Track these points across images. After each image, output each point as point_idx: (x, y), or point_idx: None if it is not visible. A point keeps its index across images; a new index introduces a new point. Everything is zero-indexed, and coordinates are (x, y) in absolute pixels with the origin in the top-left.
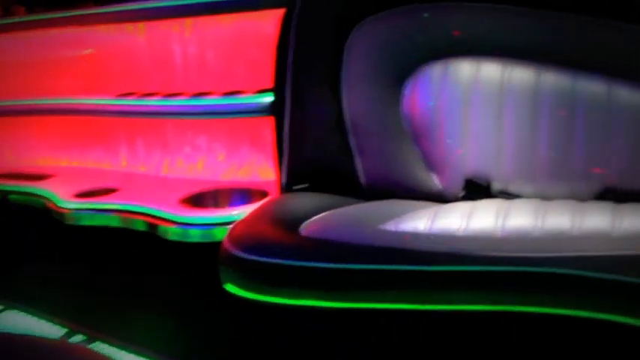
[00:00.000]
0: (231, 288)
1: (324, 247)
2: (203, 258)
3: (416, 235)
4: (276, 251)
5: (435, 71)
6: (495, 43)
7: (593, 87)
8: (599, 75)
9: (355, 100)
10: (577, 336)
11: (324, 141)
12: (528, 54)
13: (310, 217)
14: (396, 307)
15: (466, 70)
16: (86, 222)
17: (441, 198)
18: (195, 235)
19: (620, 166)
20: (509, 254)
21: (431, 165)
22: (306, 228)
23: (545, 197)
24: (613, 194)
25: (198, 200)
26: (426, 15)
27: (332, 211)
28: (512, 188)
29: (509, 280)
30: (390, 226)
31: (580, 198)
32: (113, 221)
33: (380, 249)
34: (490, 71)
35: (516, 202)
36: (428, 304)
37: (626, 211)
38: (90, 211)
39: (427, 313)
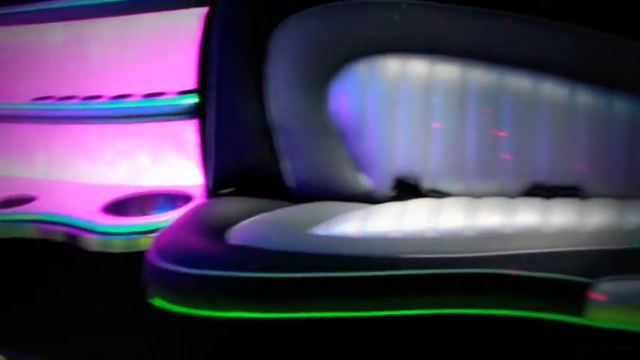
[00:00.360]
0: (158, 302)
1: (253, 255)
2: (128, 269)
3: (348, 239)
4: (202, 261)
5: (360, 69)
6: (421, 40)
7: (519, 83)
8: (526, 71)
9: (281, 100)
10: (514, 335)
11: (250, 143)
12: (454, 51)
13: (237, 223)
14: (332, 315)
15: (392, 67)
16: (1, 234)
17: (370, 198)
18: (118, 246)
19: (547, 162)
20: (444, 255)
21: (360, 165)
22: (234, 235)
23: (475, 195)
24: (541, 190)
25: (120, 208)
26: (350, 12)
27: (260, 216)
28: (442, 186)
29: (447, 282)
30: (321, 230)
31: (509, 195)
32: (30, 232)
33: (311, 255)
34: (416, 68)
35: (447, 201)
36: (364, 312)
37: (554, 207)
38: (5, 223)
39: (364, 320)
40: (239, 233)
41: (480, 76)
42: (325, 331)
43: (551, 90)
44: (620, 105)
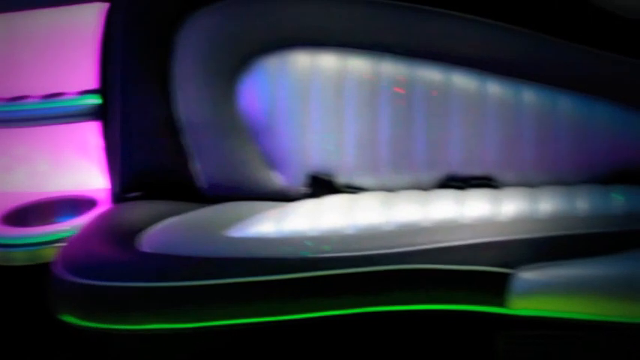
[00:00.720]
0: (67, 319)
1: (167, 262)
2: (32, 284)
3: (265, 241)
4: (113, 272)
5: (270, 64)
6: (331, 34)
7: (430, 75)
8: (436, 63)
9: (188, 98)
10: (436, 329)
11: (157, 144)
12: (365, 44)
13: (147, 229)
14: (254, 321)
15: (303, 62)
16: None
17: (285, 196)
18: (20, 258)
19: (460, 153)
20: (364, 253)
21: (272, 162)
22: (145, 242)
23: (390, 189)
24: (455, 181)
25: (20, 217)
26: (259, 6)
27: (171, 220)
28: (357, 181)
29: (368, 280)
30: (236, 231)
31: (423, 187)
32: None
33: (228, 260)
34: (327, 62)
35: (362, 196)
36: (285, 315)
37: (469, 198)
38: None
39: (287, 323)
40: (150, 240)
41: (390, 68)
42: (246, 338)
43: (462, 81)
44: (529, 95)
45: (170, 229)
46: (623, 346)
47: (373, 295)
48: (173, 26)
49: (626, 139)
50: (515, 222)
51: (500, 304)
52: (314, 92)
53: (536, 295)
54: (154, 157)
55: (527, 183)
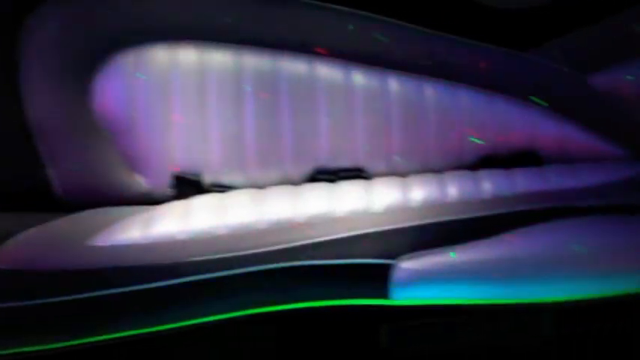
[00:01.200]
0: None
1: (28, 279)
2: None
3: (133, 248)
4: None
5: (127, 60)
6: (190, 28)
7: (294, 67)
8: (301, 54)
9: (39, 101)
10: (320, 326)
11: (6, 150)
12: (226, 36)
13: (2, 245)
14: (135, 333)
15: (161, 57)
16: None
17: (150, 200)
18: None
19: (328, 145)
20: (238, 253)
21: (134, 165)
22: (1, 258)
23: (259, 185)
24: (325, 174)
25: None
26: None
27: (28, 233)
28: (225, 179)
29: (244, 281)
30: (101, 240)
31: (293, 182)
32: None
33: (93, 272)
34: (187, 57)
35: (232, 194)
36: (161, 325)
37: (341, 190)
38: None
39: (169, 332)
40: (7, 255)
41: (253, 61)
42: (129, 350)
43: (327, 72)
44: (394, 84)
45: (29, 243)
46: (504, 328)
47: (250, 297)
48: (19, 20)
49: (490, 125)
50: (390, 212)
51: (383, 296)
52: (174, 89)
53: (417, 284)
54: (2, 165)
55: (398, 172)
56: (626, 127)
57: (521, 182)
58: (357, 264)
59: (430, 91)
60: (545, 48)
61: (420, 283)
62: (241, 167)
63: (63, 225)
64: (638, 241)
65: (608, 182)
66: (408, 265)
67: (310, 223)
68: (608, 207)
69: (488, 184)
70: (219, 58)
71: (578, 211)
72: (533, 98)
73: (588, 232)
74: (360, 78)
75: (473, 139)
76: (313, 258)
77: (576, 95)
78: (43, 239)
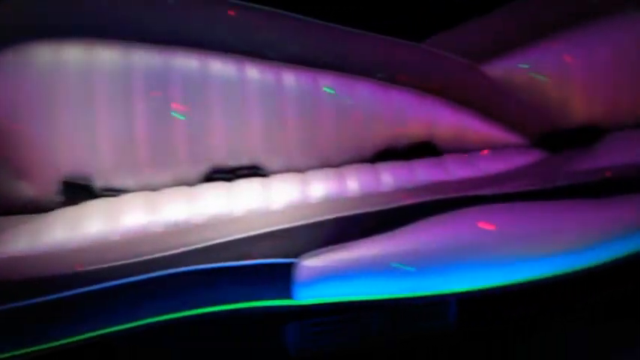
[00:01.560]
0: None
1: None
2: None
3: (20, 260)
4: None
5: (7, 60)
6: (76, 23)
7: (186, 63)
8: (193, 50)
9: None
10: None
11: None
12: (114, 33)
13: None
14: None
15: (45, 56)
16: None
17: (37, 208)
18: None
19: (224, 144)
20: (132, 260)
21: (18, 171)
22: None
23: (153, 188)
24: (222, 173)
25: None
26: None
27: None
28: (117, 183)
29: (144, 289)
30: None
31: (189, 183)
32: None
33: None
34: (73, 55)
35: (124, 198)
36: (46, 343)
37: (238, 189)
38: None
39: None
40: None
41: (144, 59)
42: None
43: (220, 68)
44: (289, 79)
45: None
46: (411, 321)
47: (149, 306)
48: None
49: (388, 117)
50: (289, 209)
51: (287, 296)
52: (60, 90)
53: (321, 282)
54: None
55: (295, 168)
56: (522, 115)
57: (421, 173)
58: (258, 265)
59: (326, 85)
60: (440, 38)
61: (324, 280)
62: (133, 169)
63: None
64: (539, 228)
65: (507, 170)
66: (310, 263)
67: (208, 224)
68: (509, 195)
69: (388, 177)
70: (107, 57)
71: (479, 200)
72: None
73: (490, 221)
74: (254, 73)
75: None
76: (213, 261)
77: (472, 84)
78: None
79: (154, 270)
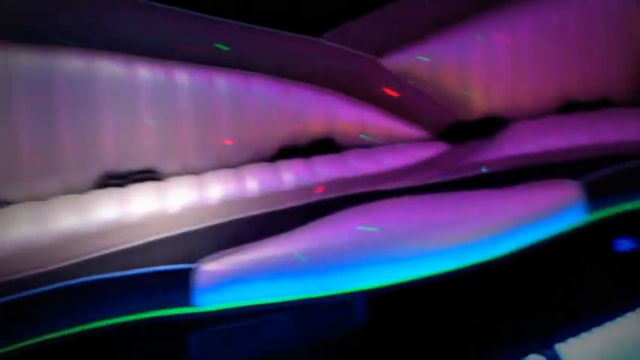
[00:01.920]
0: None
1: None
2: None
3: None
4: None
5: None
6: None
7: (71, 64)
8: (78, 50)
9: None
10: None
11: None
12: None
13: None
14: None
15: None
16: None
17: None
18: None
19: (115, 148)
20: (18, 276)
21: None
22: None
23: (40, 197)
24: (114, 179)
25: None
26: None
27: None
28: (2, 195)
29: (28, 307)
30: None
31: (79, 190)
32: None
33: None
34: None
35: (8, 210)
36: None
37: (132, 195)
38: None
39: None
40: None
41: (25, 59)
42: None
43: (108, 68)
44: (181, 78)
45: None
46: (318, 322)
47: (41, 322)
48: None
49: (287, 114)
50: (187, 213)
51: (187, 304)
52: None
53: (222, 287)
54: None
55: (192, 170)
56: (424, 108)
57: (321, 170)
58: (156, 272)
59: (222, 83)
60: (337, 32)
61: (225, 285)
62: (16, 179)
63: None
64: (443, 220)
65: (411, 163)
66: (210, 267)
67: (102, 232)
68: (412, 188)
69: (288, 175)
70: None
71: (382, 194)
72: None
73: (393, 215)
74: (144, 72)
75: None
76: (108, 271)
77: (371, 79)
78: None
79: (42, 285)
